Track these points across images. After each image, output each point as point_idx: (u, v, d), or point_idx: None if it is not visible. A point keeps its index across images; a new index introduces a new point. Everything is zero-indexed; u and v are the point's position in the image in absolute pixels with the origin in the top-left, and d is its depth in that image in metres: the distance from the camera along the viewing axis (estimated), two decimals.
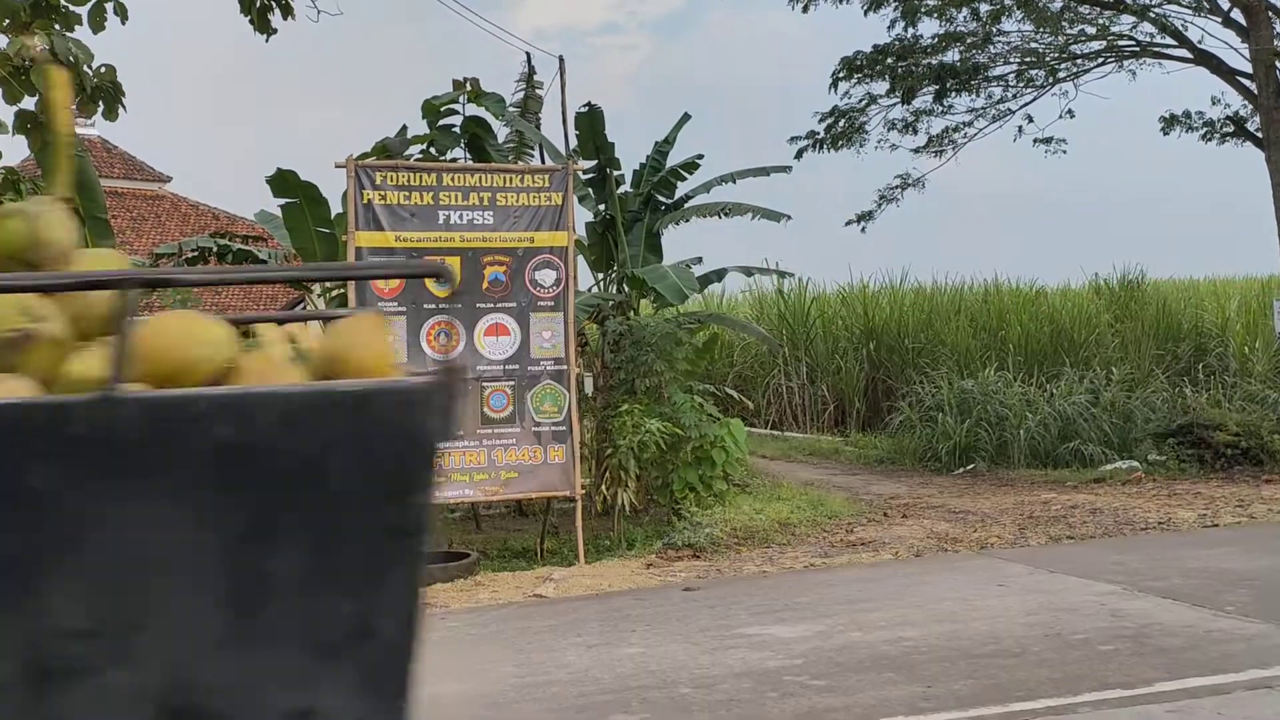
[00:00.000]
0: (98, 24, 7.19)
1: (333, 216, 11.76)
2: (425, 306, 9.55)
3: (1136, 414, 15.32)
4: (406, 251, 9.47)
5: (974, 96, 19.00)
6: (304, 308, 22.10)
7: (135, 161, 30.00)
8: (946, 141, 19.80)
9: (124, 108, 8.52)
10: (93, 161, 11.29)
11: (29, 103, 7.13)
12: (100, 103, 7.50)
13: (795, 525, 10.97)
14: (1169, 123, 18.47)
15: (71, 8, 7.21)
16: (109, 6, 7.21)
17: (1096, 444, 14.95)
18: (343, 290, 11.80)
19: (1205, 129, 18.29)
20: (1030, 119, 19.34)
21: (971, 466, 15.40)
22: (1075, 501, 12.01)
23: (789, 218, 13.20)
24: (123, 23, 7.31)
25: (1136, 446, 14.79)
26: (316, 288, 12.79)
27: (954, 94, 18.70)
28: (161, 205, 29.03)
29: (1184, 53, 17.36)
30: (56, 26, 7.14)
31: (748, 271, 14.40)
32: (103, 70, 7.15)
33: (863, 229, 20.58)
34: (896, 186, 20.24)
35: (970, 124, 19.56)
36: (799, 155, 19.73)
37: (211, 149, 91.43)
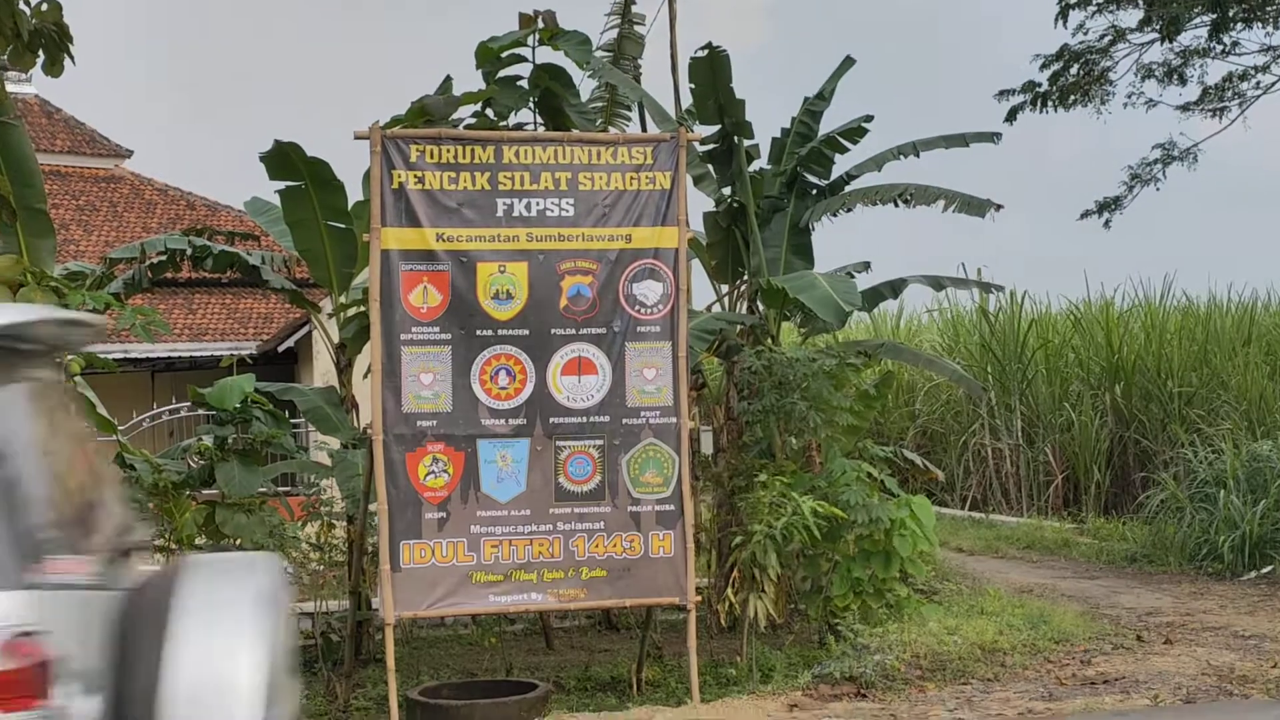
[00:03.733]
0: None
1: (350, 207, 11.98)
2: (479, 334, 9.65)
3: None
4: (452, 255, 9.60)
5: (1271, 29, 18.58)
6: (310, 330, 22.59)
7: (85, 131, 31.08)
8: (1230, 95, 19.41)
9: (71, 59, 8.84)
10: (28, 130, 11.69)
11: None
12: (40, 52, 7.80)
13: (1005, 652, 10.77)
14: None
15: None
16: None
17: None
18: (362, 310, 12.00)
19: None
20: None
21: (1270, 569, 14.95)
22: None
23: (999, 208, 13.04)
24: None
25: None
26: (327, 306, 13.03)
27: (1240, 25, 18.31)
28: (119, 190, 29.98)
29: None
30: None
31: (937, 283, 14.24)
32: (44, 9, 7.44)
33: (1106, 222, 20.28)
34: (1156, 161, 19.91)
35: (1265, 68, 19.13)
36: (1012, 117, 19.55)
37: (187, 116, 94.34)
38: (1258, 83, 19.23)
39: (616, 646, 12.51)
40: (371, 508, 10.24)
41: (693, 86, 12.99)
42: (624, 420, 9.84)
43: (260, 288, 15.45)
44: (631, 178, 9.94)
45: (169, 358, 25.87)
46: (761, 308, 13.29)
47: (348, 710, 10.22)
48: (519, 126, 12.51)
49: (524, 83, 12.49)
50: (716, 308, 13.92)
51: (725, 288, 14.04)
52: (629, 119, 14.75)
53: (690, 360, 10.42)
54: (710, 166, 13.59)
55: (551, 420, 9.72)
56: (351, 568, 11.61)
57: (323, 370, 22.03)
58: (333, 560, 12.98)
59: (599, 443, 9.79)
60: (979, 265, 24.49)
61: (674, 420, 9.92)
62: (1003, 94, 19.70)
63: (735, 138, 13.14)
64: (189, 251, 12.51)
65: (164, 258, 12.65)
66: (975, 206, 13.10)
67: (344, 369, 12.57)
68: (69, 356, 11.11)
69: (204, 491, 12.12)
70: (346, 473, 11.54)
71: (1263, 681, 9.70)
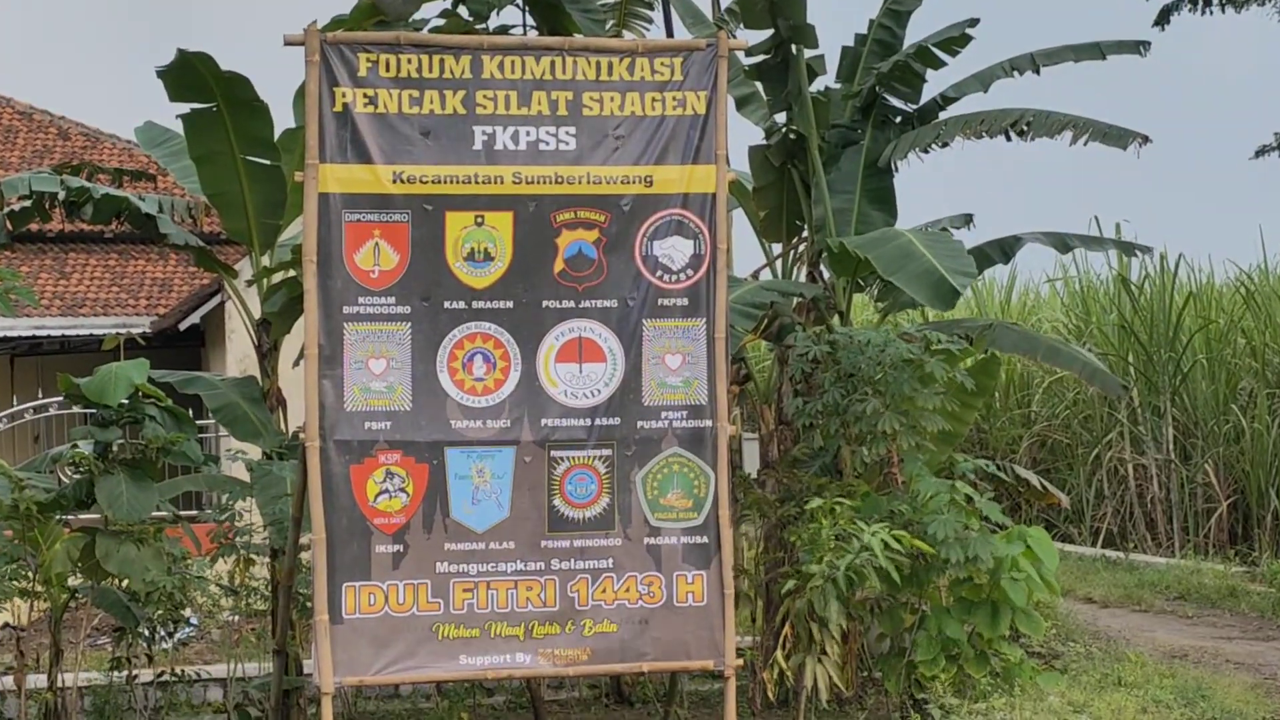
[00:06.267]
0: None
1: (277, 137, 11.96)
2: (448, 306, 9.66)
3: None
4: (413, 201, 9.59)
5: None
6: (223, 301, 22.59)
7: None
8: None
9: None
10: None
11: None
12: None
13: None
14: None
15: None
16: None
17: None
18: (291, 275, 12.00)
19: None
20: None
21: None
22: None
23: (1146, 140, 12.99)
24: None
25: None
26: (246, 271, 13.05)
27: None
28: None
29: None
30: None
31: (1062, 243, 14.19)
32: None
33: None
34: None
35: None
36: (1164, 20, 19.42)
37: (60, 19, 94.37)
38: None
39: None
40: (305, 538, 10.26)
41: None
42: (640, 423, 9.83)
43: (156, 244, 15.47)
44: (654, 99, 9.91)
45: (34, 337, 25.89)
46: (827, 274, 13.25)
47: None
48: (503, 30, 12.50)
49: None
50: (766, 274, 13.90)
51: (778, 248, 14.02)
52: (650, 21, 14.74)
53: (730, 345, 10.40)
54: (759, 85, 13.57)
55: (544, 422, 9.72)
56: (277, 618, 11.64)
57: (239, 355, 22.09)
58: (252, 608, 13.01)
59: (607, 453, 9.79)
60: (1118, 219, 24.42)
61: (707, 424, 9.90)
62: None
63: (793, 46, 13.11)
64: (62, 195, 12.48)
65: (28, 203, 12.62)
66: (1114, 138, 13.03)
67: (267, 353, 12.56)
68: None
69: (81, 515, 12.12)
70: (270, 491, 11.54)
71: None
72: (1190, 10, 19.29)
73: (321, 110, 9.50)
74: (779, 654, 11.35)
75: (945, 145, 13.47)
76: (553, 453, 9.72)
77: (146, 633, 12.21)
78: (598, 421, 9.76)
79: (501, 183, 9.70)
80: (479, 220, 9.68)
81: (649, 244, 9.87)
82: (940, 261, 11.41)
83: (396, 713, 12.96)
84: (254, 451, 12.57)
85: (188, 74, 11.54)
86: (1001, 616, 11.26)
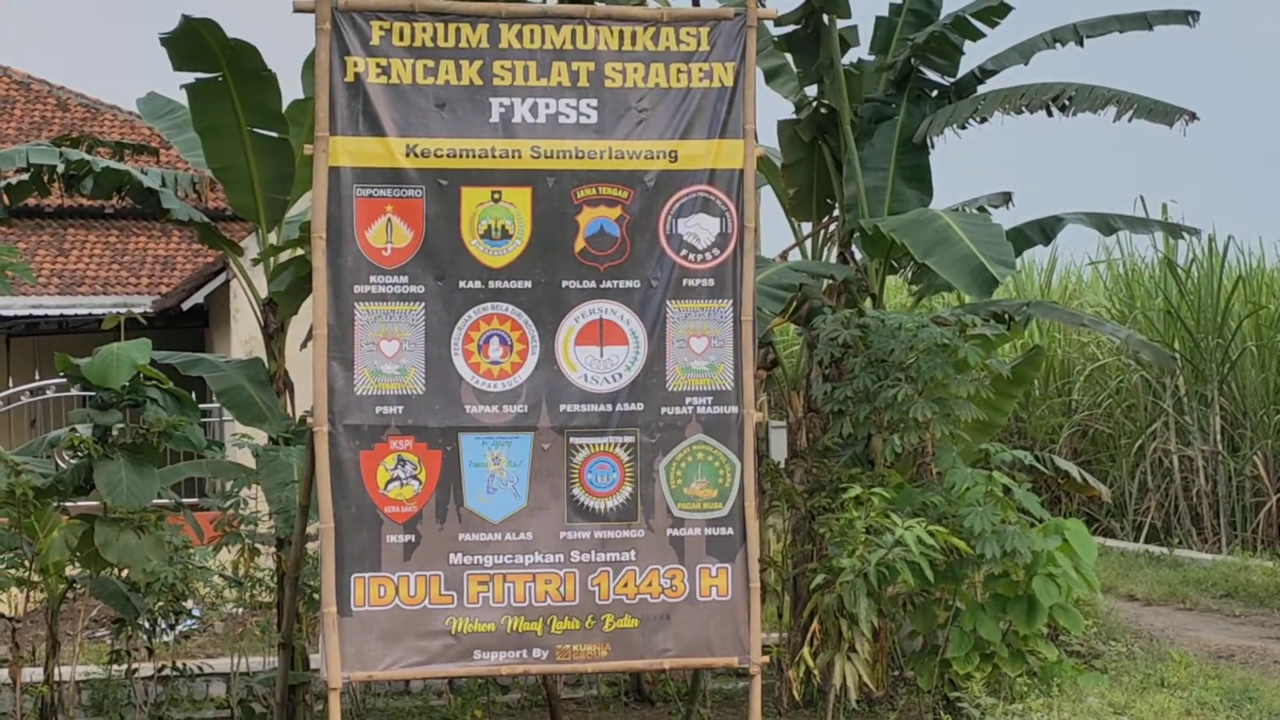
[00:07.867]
0: None
1: (286, 108, 11.97)
2: (463, 286, 9.65)
3: None
4: (428, 175, 9.60)
5: None
6: (228, 280, 22.63)
7: None
8: None
9: None
10: None
11: None
12: None
13: None
14: None
15: None
16: None
17: None
18: (299, 253, 12.01)
19: None
20: None
21: None
22: None
23: (1193, 117, 12.97)
24: None
25: None
26: (252, 249, 13.05)
27: None
28: None
29: None
30: None
31: (1106, 224, 14.17)
32: None
33: None
34: None
35: None
36: None
37: None
38: None
39: None
40: (312, 527, 10.28)
41: None
42: (664, 409, 9.83)
43: (159, 220, 15.46)
44: (679, 71, 9.90)
45: (31, 316, 25.94)
46: (859, 255, 13.24)
47: None
48: None
49: None
50: (795, 254, 13.89)
51: (807, 227, 14.01)
52: None
53: (758, 328, 10.39)
54: (789, 57, 13.55)
55: (563, 408, 9.72)
56: (282, 610, 11.66)
57: (245, 336, 22.13)
58: (256, 600, 13.02)
59: (629, 440, 9.79)
60: (1165, 199, 24.30)
61: (733, 410, 9.89)
62: None
63: (824, 16, 13.10)
64: (60, 168, 12.50)
65: (25, 177, 12.65)
66: (1160, 114, 12.99)
67: (274, 334, 12.59)
68: None
69: (79, 502, 12.14)
70: (276, 478, 11.57)
71: None
72: None
73: (332, 80, 9.49)
74: (806, 651, 11.35)
75: (984, 120, 13.45)
76: (572, 439, 9.71)
77: (147, 625, 12.25)
78: (619, 407, 9.76)
79: (519, 157, 9.70)
80: (496, 196, 9.67)
81: (673, 222, 9.85)
82: (979, 248, 11.38)
83: (407, 710, 12.99)
84: (260, 436, 12.61)
85: (193, 42, 11.56)
86: (1038, 613, 11.27)
